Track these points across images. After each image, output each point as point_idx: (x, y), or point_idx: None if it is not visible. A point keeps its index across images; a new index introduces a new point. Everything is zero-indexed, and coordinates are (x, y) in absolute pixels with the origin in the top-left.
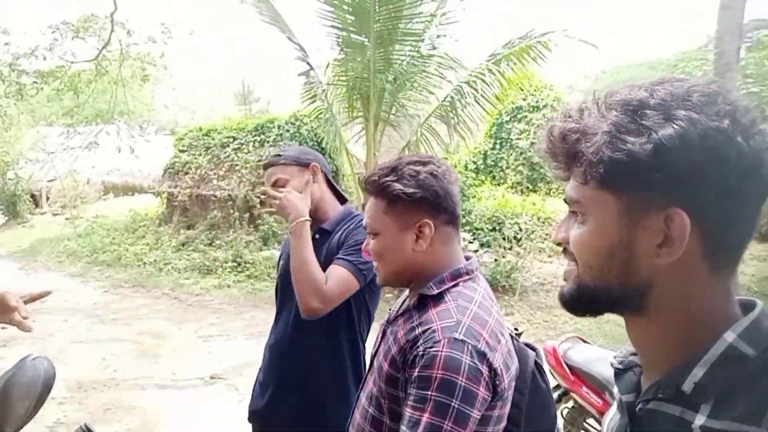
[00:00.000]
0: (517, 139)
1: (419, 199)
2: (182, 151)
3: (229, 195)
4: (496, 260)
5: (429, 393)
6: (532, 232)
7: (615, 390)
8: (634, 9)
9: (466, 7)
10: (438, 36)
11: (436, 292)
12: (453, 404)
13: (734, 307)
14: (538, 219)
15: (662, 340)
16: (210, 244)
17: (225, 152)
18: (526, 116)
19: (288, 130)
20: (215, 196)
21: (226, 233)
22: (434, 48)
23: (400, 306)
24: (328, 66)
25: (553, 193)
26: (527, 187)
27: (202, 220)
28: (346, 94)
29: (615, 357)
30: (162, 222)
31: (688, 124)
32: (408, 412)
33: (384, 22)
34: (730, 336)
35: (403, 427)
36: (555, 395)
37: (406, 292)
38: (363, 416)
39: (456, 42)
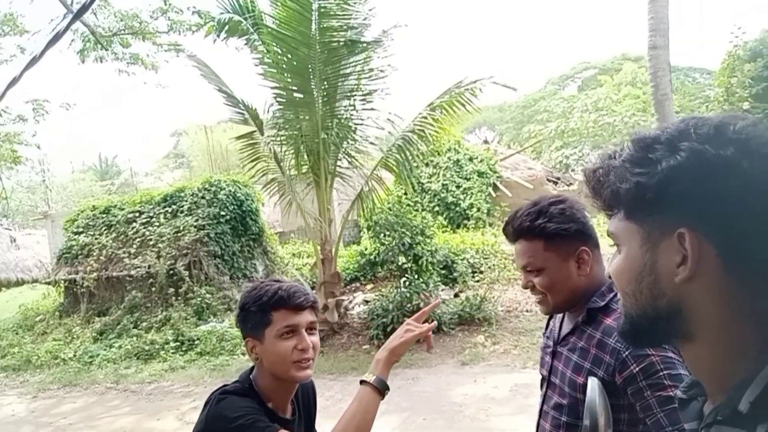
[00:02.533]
0: (428, 182)
1: (574, 231)
2: (77, 233)
3: (147, 272)
4: (456, 295)
5: (667, 392)
6: (481, 266)
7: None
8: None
9: (393, 63)
10: (370, 92)
11: (602, 304)
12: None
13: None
14: (484, 253)
15: (713, 363)
16: (135, 327)
17: (132, 228)
18: (432, 160)
19: (204, 197)
20: (131, 276)
21: (153, 313)
22: (369, 102)
23: (560, 327)
24: (279, 128)
25: (472, 229)
26: (452, 228)
27: (117, 304)
28: (294, 152)
29: (680, 388)
30: (63, 313)
31: (689, 153)
32: (659, 414)
33: (330, 81)
34: None
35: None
36: None
37: (559, 316)
38: (555, 425)
39: (388, 95)
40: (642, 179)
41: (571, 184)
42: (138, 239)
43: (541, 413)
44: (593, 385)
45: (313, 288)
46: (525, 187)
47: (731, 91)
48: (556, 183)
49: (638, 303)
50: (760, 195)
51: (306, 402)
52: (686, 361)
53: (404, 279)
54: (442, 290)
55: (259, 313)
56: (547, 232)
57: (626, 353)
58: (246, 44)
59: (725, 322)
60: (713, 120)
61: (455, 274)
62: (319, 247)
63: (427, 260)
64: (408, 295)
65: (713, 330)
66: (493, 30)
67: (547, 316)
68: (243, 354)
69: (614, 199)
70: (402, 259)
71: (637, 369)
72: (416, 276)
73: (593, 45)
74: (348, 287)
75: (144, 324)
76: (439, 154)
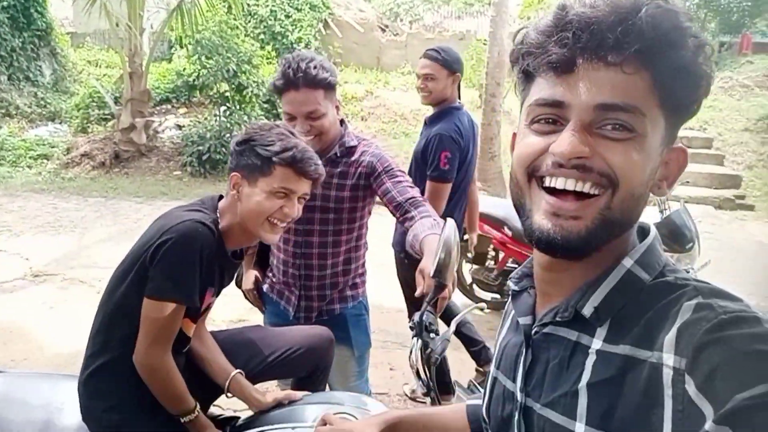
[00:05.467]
0: (255, 5)
1: (336, 83)
2: None
3: None
4: None
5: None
6: None
7: (511, 311)
8: None
9: None
10: None
11: (355, 143)
12: None
13: (633, 232)
14: None
15: (592, 272)
16: None
17: None
18: None
19: None
20: None
21: None
22: None
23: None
24: None
25: None
26: (278, 60)
27: None
28: None
29: (511, 278)
30: None
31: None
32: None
33: None
34: (628, 262)
35: (404, 185)
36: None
37: None
38: (321, 243)
39: None
40: (695, 40)
41: (397, 34)
42: None
43: (282, 239)
44: (450, 224)
45: (116, 103)
46: (356, 29)
47: None
48: (384, 30)
49: (635, 209)
50: None
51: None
52: (550, 271)
53: (225, 108)
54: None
55: (261, 158)
56: (327, 83)
57: (376, 161)
58: None
59: (631, 231)
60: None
61: (278, 110)
62: (126, 59)
63: (252, 92)
64: (228, 125)
65: (621, 241)
66: None
67: None
68: (29, 167)
69: (654, 44)
70: (224, 87)
71: (381, 168)
72: (238, 106)
73: None
74: (158, 108)
75: None
76: None
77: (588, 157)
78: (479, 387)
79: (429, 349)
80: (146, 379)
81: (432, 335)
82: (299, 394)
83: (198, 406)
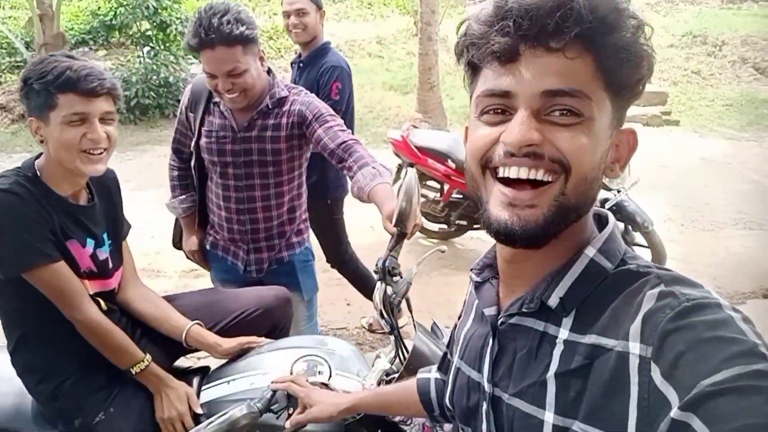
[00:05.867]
0: None
1: (256, 35)
2: None
3: None
4: None
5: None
6: None
7: (474, 301)
8: None
9: None
10: None
11: (285, 93)
12: None
13: (591, 220)
14: None
15: (551, 262)
16: None
17: None
18: None
19: None
20: None
21: None
22: None
23: (233, 118)
24: None
25: None
26: None
27: None
28: None
29: (472, 269)
30: None
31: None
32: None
33: None
34: (590, 251)
35: (335, 130)
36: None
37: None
38: (263, 196)
39: None
40: (635, 23)
41: None
42: None
43: (223, 197)
44: (410, 172)
45: (28, 49)
46: None
47: None
48: None
49: (589, 193)
50: None
51: (104, 186)
52: (513, 261)
53: (148, 49)
54: (192, 64)
55: (42, 92)
56: (245, 37)
57: (306, 109)
58: None
59: (589, 218)
60: None
61: None
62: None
63: (176, 29)
64: (154, 67)
65: (581, 229)
66: None
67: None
68: None
69: (597, 25)
70: (145, 25)
71: (311, 115)
72: (162, 46)
73: None
74: (74, 51)
75: None
76: None
77: (538, 144)
78: (440, 329)
79: (392, 292)
80: (87, 339)
81: (395, 279)
82: (262, 339)
83: (148, 357)
